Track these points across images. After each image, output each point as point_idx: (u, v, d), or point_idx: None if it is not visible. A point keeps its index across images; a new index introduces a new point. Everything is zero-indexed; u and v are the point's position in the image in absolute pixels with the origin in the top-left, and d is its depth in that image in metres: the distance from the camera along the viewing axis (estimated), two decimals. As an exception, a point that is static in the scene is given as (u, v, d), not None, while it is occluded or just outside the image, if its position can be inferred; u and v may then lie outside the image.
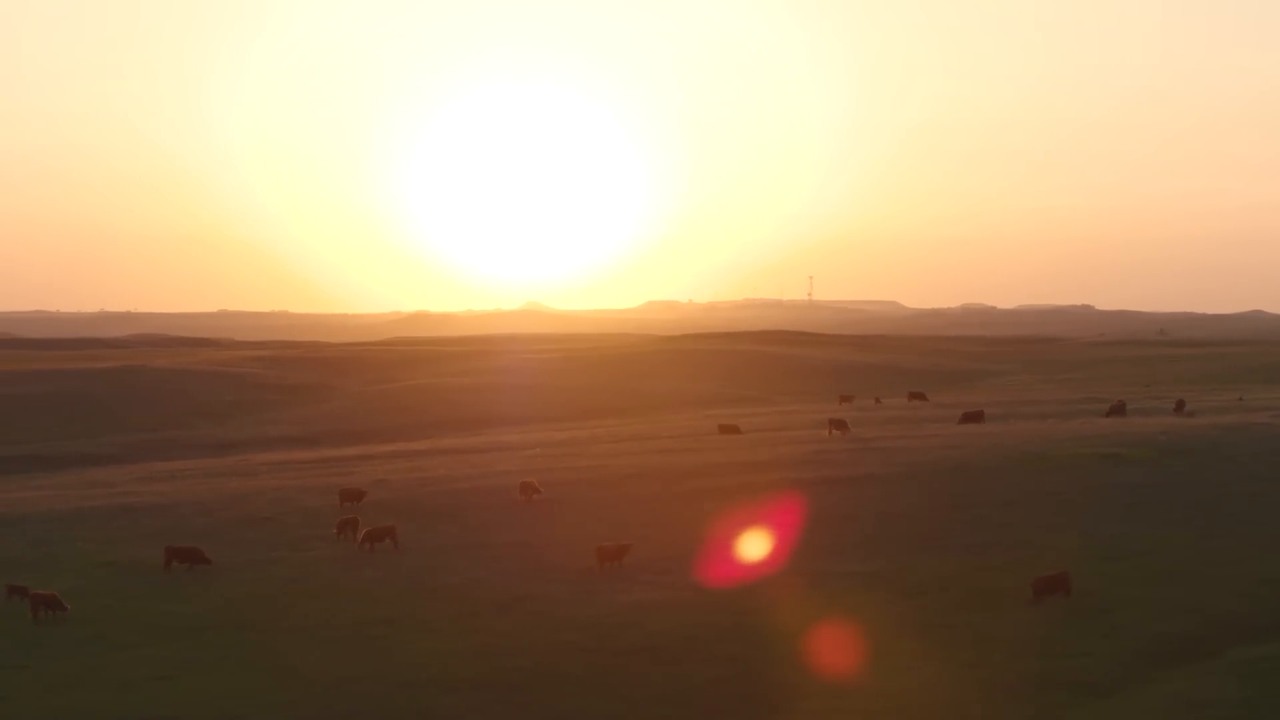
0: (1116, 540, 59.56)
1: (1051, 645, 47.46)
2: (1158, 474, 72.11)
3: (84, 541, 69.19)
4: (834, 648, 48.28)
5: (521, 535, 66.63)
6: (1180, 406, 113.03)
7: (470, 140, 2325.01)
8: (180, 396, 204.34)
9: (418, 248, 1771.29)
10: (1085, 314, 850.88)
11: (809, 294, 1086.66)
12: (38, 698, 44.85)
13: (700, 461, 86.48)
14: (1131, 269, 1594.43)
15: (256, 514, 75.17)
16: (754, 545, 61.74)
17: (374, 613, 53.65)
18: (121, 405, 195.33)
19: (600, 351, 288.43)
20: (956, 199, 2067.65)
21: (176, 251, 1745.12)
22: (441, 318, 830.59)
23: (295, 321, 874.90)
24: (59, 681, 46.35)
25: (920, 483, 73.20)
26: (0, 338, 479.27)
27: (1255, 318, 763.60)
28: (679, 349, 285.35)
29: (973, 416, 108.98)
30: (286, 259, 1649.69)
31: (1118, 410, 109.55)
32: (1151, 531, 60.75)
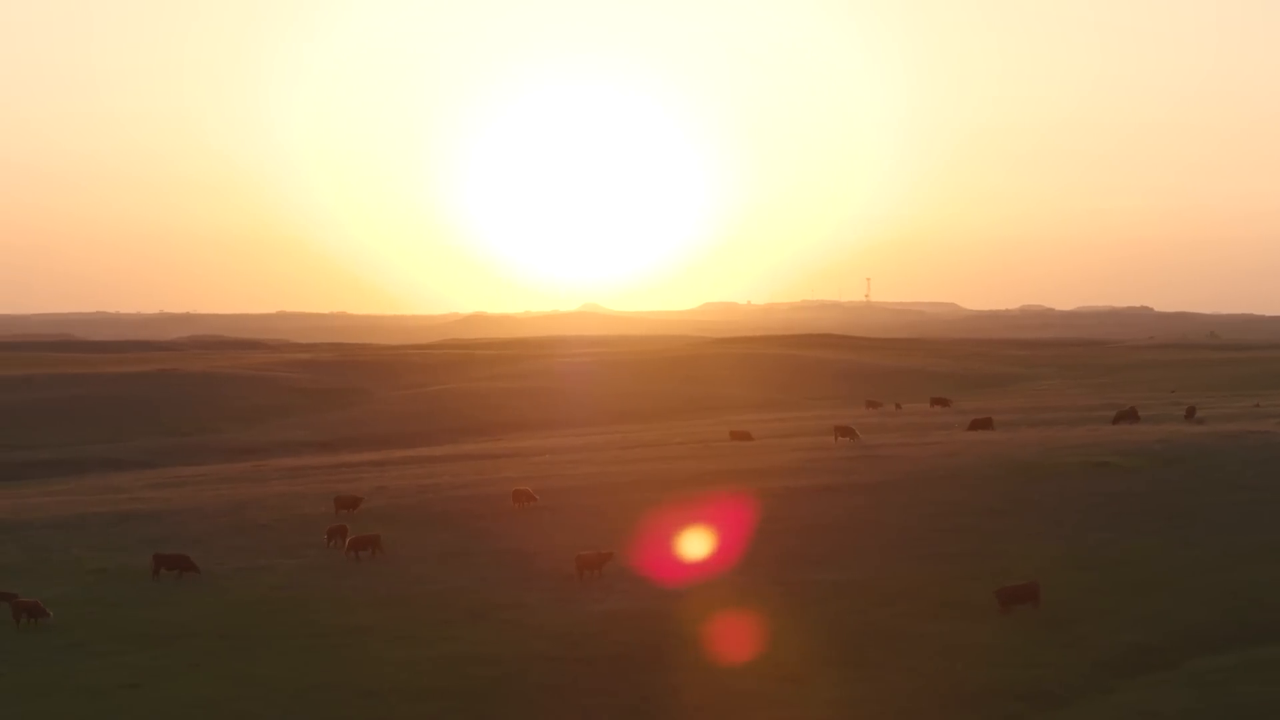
0: (1093, 550, 59.80)
1: (1013, 655, 47.87)
2: (1145, 483, 72.11)
3: (79, 548, 69.99)
4: (797, 656, 48.74)
5: (510, 543, 67.08)
6: (1191, 413, 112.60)
7: (529, 141, 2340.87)
8: (212, 401, 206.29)
9: (477, 249, 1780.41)
10: (1143, 316, 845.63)
11: (866, 295, 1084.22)
12: (3, 705, 45.58)
13: (700, 468, 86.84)
14: (1191, 271, 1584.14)
15: (253, 521, 75.86)
16: (733, 554, 62.17)
17: (350, 620, 54.22)
18: (153, 410, 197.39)
19: (642, 355, 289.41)
20: (1015, 200, 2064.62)
21: (236, 253, 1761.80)
22: (498, 319, 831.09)
23: (353, 323, 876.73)
24: (28, 689, 47.04)
25: (909, 491, 73.38)
26: (53, 339, 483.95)
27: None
28: (719, 353, 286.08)
29: (981, 424, 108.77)
30: (346, 260, 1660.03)
31: (1125, 417, 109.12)
32: (1129, 541, 60.93)
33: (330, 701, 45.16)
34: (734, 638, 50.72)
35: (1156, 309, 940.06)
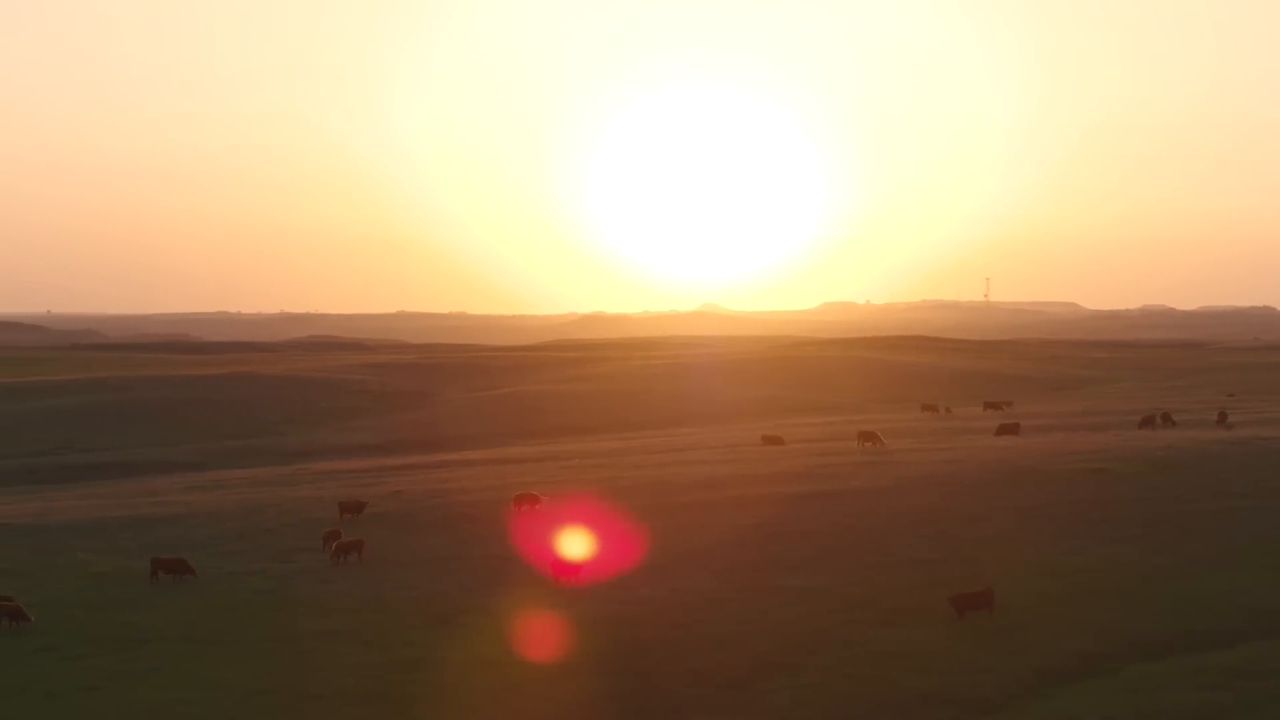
0: (1061, 557, 60.06)
1: (958, 661, 48.33)
2: (1134, 489, 72.10)
3: (85, 552, 71.80)
4: (744, 662, 49.37)
5: (501, 548, 68.05)
6: (1222, 418, 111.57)
7: (651, 141, 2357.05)
8: (280, 404, 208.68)
9: (598, 248, 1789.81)
10: (1265, 316, 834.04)
11: (985, 295, 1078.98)
12: (-39, 707, 47.16)
13: (711, 474, 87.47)
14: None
15: (262, 525, 77.41)
16: (711, 560, 62.82)
17: (322, 625, 55.38)
18: (221, 413, 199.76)
19: (732, 356, 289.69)
20: (1136, 199, 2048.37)
21: (358, 253, 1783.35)
22: (616, 319, 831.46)
23: (469, 323, 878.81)
24: (-11, 691, 48.62)
25: (901, 497, 73.73)
26: (163, 339, 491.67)
27: None
28: (810, 355, 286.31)
29: (1008, 429, 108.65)
30: (468, 260, 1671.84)
31: (1150, 422, 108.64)
32: (1099, 549, 61.13)
33: (274, 706, 46.27)
34: (686, 643, 51.43)
35: None
